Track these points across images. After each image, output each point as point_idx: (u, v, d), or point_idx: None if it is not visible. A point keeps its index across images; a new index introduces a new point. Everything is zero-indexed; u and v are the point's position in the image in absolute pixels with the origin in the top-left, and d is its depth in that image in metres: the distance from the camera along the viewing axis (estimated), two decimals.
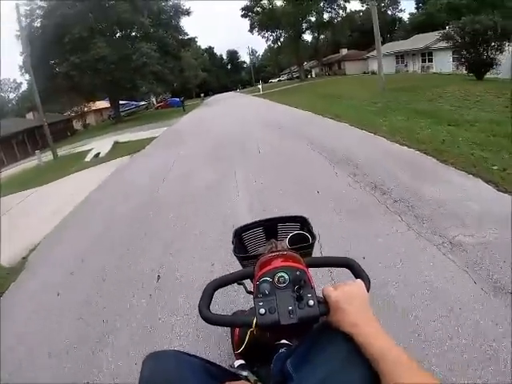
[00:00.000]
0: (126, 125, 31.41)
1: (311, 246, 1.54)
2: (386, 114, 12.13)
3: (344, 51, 63.26)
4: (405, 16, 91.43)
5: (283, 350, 1.24)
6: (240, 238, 1.72)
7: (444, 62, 38.50)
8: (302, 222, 1.71)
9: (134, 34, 35.88)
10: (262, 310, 0.98)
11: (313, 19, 57.78)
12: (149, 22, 34.31)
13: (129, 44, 33.18)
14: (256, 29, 61.32)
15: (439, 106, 12.94)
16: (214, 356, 2.50)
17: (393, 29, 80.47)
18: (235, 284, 1.22)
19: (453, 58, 37.49)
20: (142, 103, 55.86)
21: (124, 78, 32.43)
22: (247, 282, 1.23)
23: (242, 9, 59.51)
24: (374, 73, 47.61)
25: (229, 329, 2.20)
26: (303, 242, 1.52)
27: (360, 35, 70.20)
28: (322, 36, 61.91)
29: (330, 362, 0.88)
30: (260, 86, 45.88)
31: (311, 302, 0.98)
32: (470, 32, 21.38)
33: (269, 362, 1.20)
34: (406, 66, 45.87)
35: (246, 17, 60.31)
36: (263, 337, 1.17)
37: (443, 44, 39.20)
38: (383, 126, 10.06)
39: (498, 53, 22.03)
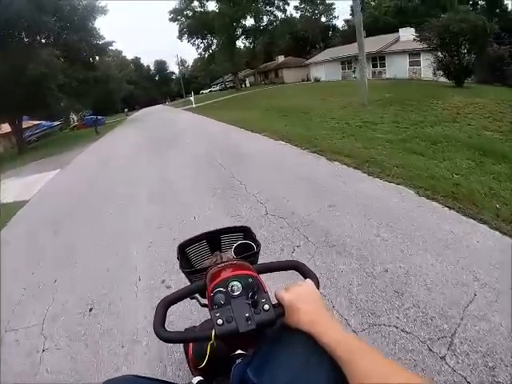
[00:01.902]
0: (23, 159, 22.36)
1: (256, 253, 1.52)
2: (431, 152, 7.25)
3: (281, 58, 59.42)
4: (339, 23, 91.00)
5: (241, 359, 1.14)
6: (184, 252, 1.66)
7: (399, 67, 35.00)
8: (245, 232, 1.71)
9: (43, 40, 28.13)
10: (220, 321, 0.96)
11: (248, 24, 53.13)
12: (59, 24, 27.17)
13: (37, 52, 25.31)
14: (186, 35, 55.26)
15: (474, 131, 9.34)
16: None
17: (326, 36, 78.56)
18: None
19: (409, 62, 34.58)
20: (56, 123, 46.79)
21: (20, 95, 24.58)
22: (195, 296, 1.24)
23: (171, 12, 53.04)
24: (317, 80, 43.50)
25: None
26: (248, 250, 1.50)
27: (294, 42, 66.78)
28: (255, 42, 56.68)
29: (292, 363, 0.87)
30: (192, 99, 38.64)
31: (266, 307, 0.99)
32: (455, 32, 18.86)
33: (228, 374, 1.12)
34: (354, 71, 41.68)
35: (174, 21, 53.81)
36: (220, 349, 1.11)
37: (398, 47, 36.07)
38: (488, 196, 4.80)
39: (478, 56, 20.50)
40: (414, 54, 34.25)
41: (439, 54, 20.99)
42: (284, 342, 0.93)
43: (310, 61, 50.23)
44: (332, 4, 77.25)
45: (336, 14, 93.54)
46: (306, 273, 1.16)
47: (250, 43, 55.88)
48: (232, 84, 67.37)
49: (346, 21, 77.28)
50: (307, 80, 49.99)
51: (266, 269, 1.24)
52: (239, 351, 1.16)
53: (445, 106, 13.20)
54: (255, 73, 59.21)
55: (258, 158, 8.64)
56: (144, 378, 1.11)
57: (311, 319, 0.92)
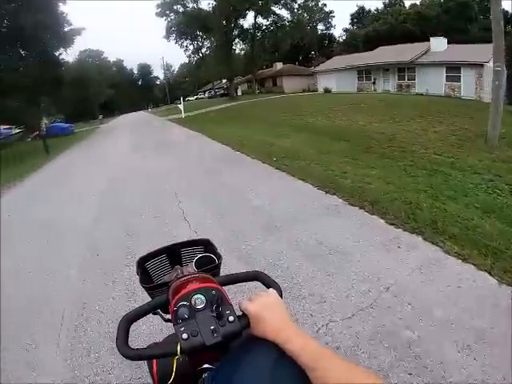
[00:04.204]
0: None
1: (218, 266, 1.46)
2: None
3: (279, 65, 53.18)
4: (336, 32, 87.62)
5: (206, 374, 1.10)
6: (144, 267, 1.54)
7: (432, 81, 29.30)
8: (206, 245, 1.62)
9: None
10: (185, 335, 0.94)
11: (246, 24, 46.58)
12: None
13: None
14: (174, 35, 48.26)
15: None
16: None
17: (322, 45, 73.60)
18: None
19: (446, 76, 28.72)
20: (16, 131, 37.81)
21: None
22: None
23: (158, 5, 45.66)
24: (327, 91, 37.10)
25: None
26: (209, 263, 1.43)
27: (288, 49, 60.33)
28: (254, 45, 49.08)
29: (258, 373, 0.87)
30: (181, 107, 30.70)
31: (231, 318, 0.98)
32: None
33: None
34: (374, 83, 35.41)
35: (162, 16, 46.46)
36: (184, 365, 1.09)
37: (431, 58, 30.09)
38: None
39: None
40: (452, 67, 28.07)
41: None
42: (249, 352, 0.93)
43: (317, 68, 43.94)
44: (331, 12, 72.23)
45: (333, 22, 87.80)
46: (268, 283, 1.15)
47: (248, 46, 49.01)
48: (223, 91, 61.01)
49: (345, 30, 72.46)
50: (310, 90, 43.82)
51: (229, 281, 1.23)
52: (205, 365, 1.10)
53: None
54: (253, 80, 52.06)
55: None
56: None
57: (276, 328, 0.92)
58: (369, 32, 51.74)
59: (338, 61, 42.58)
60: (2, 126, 34.52)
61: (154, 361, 1.38)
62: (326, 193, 5.85)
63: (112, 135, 24.76)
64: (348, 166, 7.47)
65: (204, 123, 19.94)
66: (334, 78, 39.99)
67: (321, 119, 15.37)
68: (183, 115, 28.27)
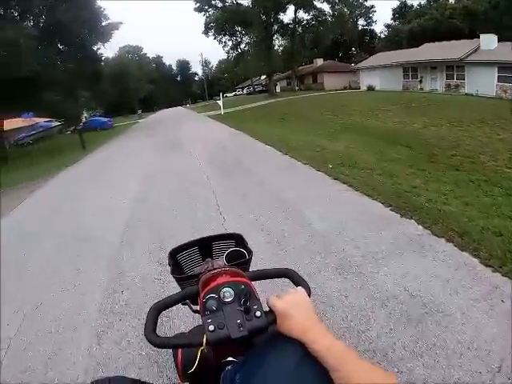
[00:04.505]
0: None
1: (248, 261, 1.45)
2: None
3: (320, 61, 51.87)
4: (377, 28, 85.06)
5: (229, 367, 1.12)
6: (176, 259, 1.58)
7: (482, 82, 27.35)
8: (237, 239, 1.63)
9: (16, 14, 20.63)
10: (211, 327, 0.96)
11: (286, 20, 45.40)
12: None
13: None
14: (212, 31, 47.75)
15: None
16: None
17: (363, 41, 71.63)
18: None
19: (498, 77, 26.98)
20: (55, 124, 37.39)
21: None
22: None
23: (196, 0, 44.89)
24: (371, 88, 35.92)
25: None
26: (240, 258, 1.43)
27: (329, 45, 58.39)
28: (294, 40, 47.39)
29: (281, 370, 0.87)
30: (220, 102, 30.30)
31: (258, 313, 0.99)
32: None
33: (217, 381, 1.11)
34: (420, 81, 33.83)
35: (200, 11, 45.95)
36: (209, 357, 1.12)
37: (482, 57, 28.25)
38: None
39: None
40: (504, 67, 26.35)
41: None
42: (274, 349, 0.93)
43: (360, 65, 42.55)
44: (372, 7, 70.09)
45: (374, 18, 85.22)
46: (297, 281, 1.15)
47: (288, 41, 47.74)
48: (262, 88, 60.64)
49: (387, 26, 70.20)
50: (351, 88, 42.65)
51: (258, 276, 1.23)
52: (229, 358, 1.13)
53: None
54: (292, 76, 50.94)
55: None
56: (132, 379, 1.14)
57: (303, 326, 0.91)
58: (413, 27, 49.56)
59: (381, 57, 41.01)
60: (43, 119, 34.97)
61: (180, 350, 1.36)
62: (402, 216, 4.85)
63: (151, 132, 24.33)
64: (416, 178, 6.59)
65: (245, 120, 19.47)
66: (378, 76, 38.63)
67: (370, 119, 14.50)
68: (222, 112, 27.98)
